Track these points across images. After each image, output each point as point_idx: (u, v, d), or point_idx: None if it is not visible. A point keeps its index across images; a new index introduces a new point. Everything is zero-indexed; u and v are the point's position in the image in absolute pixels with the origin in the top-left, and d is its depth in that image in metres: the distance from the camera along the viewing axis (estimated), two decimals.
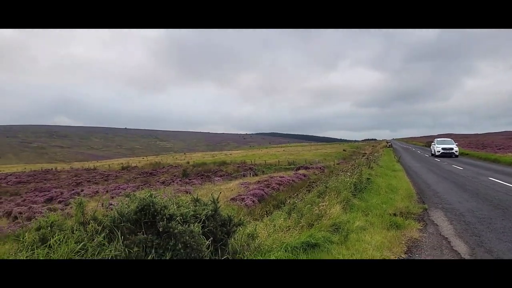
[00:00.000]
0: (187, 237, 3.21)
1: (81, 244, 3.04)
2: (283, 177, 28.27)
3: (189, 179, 34.35)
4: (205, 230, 3.54)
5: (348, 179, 9.64)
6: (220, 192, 21.96)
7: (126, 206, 3.41)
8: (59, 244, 2.97)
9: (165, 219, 3.31)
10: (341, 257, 4.31)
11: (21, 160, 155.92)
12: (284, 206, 12.33)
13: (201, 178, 35.30)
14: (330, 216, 5.97)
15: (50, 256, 2.80)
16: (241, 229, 3.92)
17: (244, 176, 36.73)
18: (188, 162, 58.64)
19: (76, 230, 3.29)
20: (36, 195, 25.46)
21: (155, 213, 3.39)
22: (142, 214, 3.42)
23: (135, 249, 3.11)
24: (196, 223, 3.49)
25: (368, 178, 11.00)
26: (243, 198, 19.21)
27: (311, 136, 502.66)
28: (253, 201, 19.17)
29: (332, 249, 4.64)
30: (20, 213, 16.47)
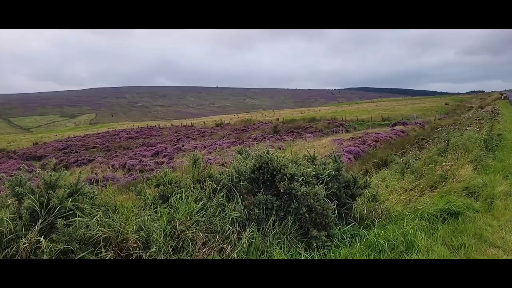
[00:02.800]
0: (312, 200, 2.82)
1: (200, 203, 2.86)
2: (379, 133, 26.53)
3: (280, 136, 34.48)
4: (328, 192, 3.09)
5: (475, 135, 8.25)
6: (314, 149, 21.57)
7: (244, 163, 3.12)
8: (179, 202, 2.83)
9: (286, 179, 2.95)
10: (490, 229, 3.54)
11: (129, 118, 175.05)
12: (388, 164, 11.35)
13: (292, 135, 35.17)
14: (459, 178, 5.07)
15: (173, 215, 2.68)
16: (367, 191, 3.41)
17: (335, 132, 35.59)
18: (278, 119, 58.96)
19: (193, 188, 3.13)
20: (145, 150, 28.10)
21: (274, 172, 3.05)
22: (260, 173, 3.11)
23: (256, 210, 2.82)
24: (318, 184, 3.07)
25: (499, 134, 9.34)
26: (338, 155, 18.41)
27: (407, 90, 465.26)
28: (349, 159, 18.31)
29: (477, 218, 3.86)
30: (133, 165, 18.25)
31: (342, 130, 37.51)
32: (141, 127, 63.30)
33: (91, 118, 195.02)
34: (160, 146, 28.78)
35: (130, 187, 11.61)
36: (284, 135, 35.23)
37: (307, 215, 2.82)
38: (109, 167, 18.73)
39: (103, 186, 12.50)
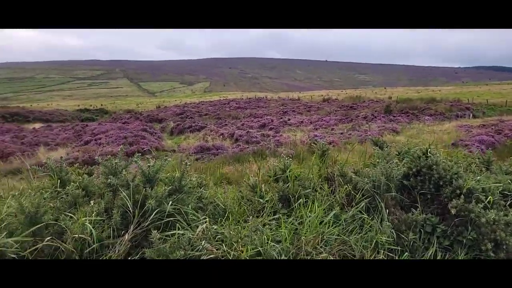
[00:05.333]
0: (502, 233, 1.90)
1: (331, 214, 2.17)
2: None
3: (393, 116, 31.60)
4: None
5: None
6: (435, 135, 19.01)
7: (395, 167, 2.30)
8: (304, 209, 2.20)
9: (460, 194, 2.06)
10: None
11: (239, 88, 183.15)
12: None
13: (407, 116, 31.97)
14: None
15: (296, 228, 2.07)
16: None
17: (460, 117, 31.31)
18: (390, 98, 54.60)
19: (320, 188, 2.45)
20: (252, 121, 28.60)
21: (441, 183, 2.18)
22: (418, 180, 2.27)
23: (410, 234, 2.03)
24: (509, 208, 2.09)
25: None
26: (466, 145, 15.86)
27: None
28: (481, 150, 15.59)
29: None
30: (240, 136, 18.55)
31: (469, 115, 32.80)
32: (249, 98, 65.18)
33: (206, 86, 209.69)
34: (266, 118, 28.95)
35: (238, 159, 11.70)
36: (398, 116, 32.21)
37: (492, 254, 1.91)
38: (218, 136, 19.40)
39: (211, 156, 12.69)
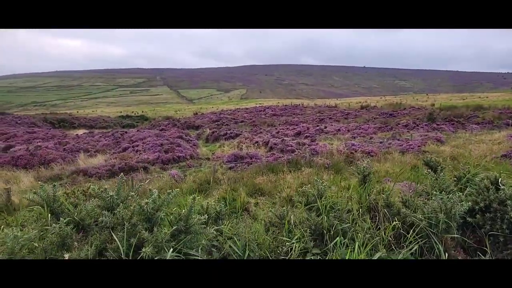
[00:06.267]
0: None
1: (377, 256, 1.81)
2: None
3: (437, 125, 29.96)
4: None
5: None
6: (484, 145, 17.66)
7: (457, 201, 1.87)
8: (340, 250, 1.84)
9: None
10: None
11: (276, 95, 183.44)
12: None
13: (452, 124, 30.19)
14: None
15: None
16: None
17: (511, 125, 29.14)
18: (433, 105, 52.13)
19: (359, 219, 2.07)
20: (287, 128, 28.20)
21: None
22: (487, 218, 1.83)
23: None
24: None
25: None
26: None
27: None
28: None
29: None
30: (275, 144, 18.22)
31: None
32: (285, 105, 64.78)
33: (242, 93, 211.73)
34: (302, 126, 28.43)
35: (273, 169, 11.38)
36: (442, 124, 30.51)
37: None
38: (253, 144, 19.19)
39: (244, 165, 12.46)
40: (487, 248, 1.80)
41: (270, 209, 2.51)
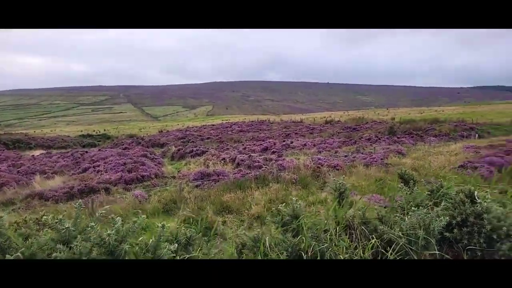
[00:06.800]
0: None
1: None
2: None
3: (398, 137, 31.15)
4: None
5: None
6: (442, 156, 18.42)
7: (435, 216, 1.80)
8: None
9: None
10: None
11: (242, 111, 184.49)
12: None
13: (411, 137, 31.52)
14: None
15: None
16: None
17: (466, 137, 30.83)
18: (393, 118, 54.37)
19: (336, 239, 1.97)
20: (254, 144, 28.19)
21: (494, 236, 1.70)
22: (464, 233, 1.78)
23: None
24: None
25: None
26: (475, 167, 15.29)
27: None
28: (491, 172, 15.04)
29: None
30: (242, 160, 18.08)
31: (475, 135, 32.36)
32: (252, 121, 65.10)
33: (208, 109, 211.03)
34: (269, 141, 28.54)
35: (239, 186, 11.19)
36: (402, 137, 31.75)
37: None
38: (220, 161, 18.94)
39: (211, 183, 12.20)
40: None
41: (243, 231, 2.35)
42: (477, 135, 32.92)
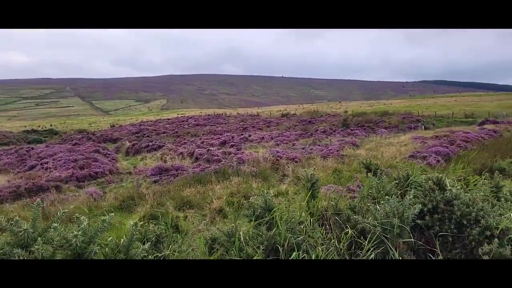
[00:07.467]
0: None
1: None
2: (468, 132, 23.46)
3: (351, 130, 32.34)
4: None
5: None
6: (393, 147, 19.37)
7: (408, 204, 1.85)
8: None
9: (493, 237, 1.67)
10: None
11: (197, 105, 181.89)
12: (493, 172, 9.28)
13: (364, 129, 32.88)
14: None
15: None
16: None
17: (413, 129, 32.74)
18: (346, 112, 56.37)
19: (311, 230, 1.97)
20: (212, 138, 27.92)
21: (464, 221, 1.77)
22: (435, 219, 1.85)
23: None
24: None
25: None
26: (424, 156, 16.29)
27: (490, 84, 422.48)
28: (438, 161, 16.10)
29: None
30: (201, 154, 17.84)
31: (421, 127, 34.42)
32: (208, 114, 64.43)
33: (163, 103, 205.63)
34: (227, 135, 28.41)
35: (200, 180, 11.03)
36: (355, 130, 32.99)
37: None
38: (177, 155, 18.56)
39: (170, 178, 11.89)
40: (436, 249, 1.84)
41: (217, 225, 2.28)
42: (423, 126, 35.05)
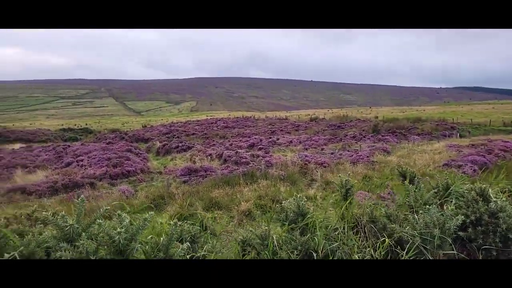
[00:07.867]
0: None
1: None
2: (508, 141, 22.34)
3: (382, 136, 31.60)
4: None
5: None
6: (427, 155, 18.76)
7: (450, 214, 1.80)
8: None
9: None
10: None
11: (226, 108, 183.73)
12: None
13: (395, 136, 32.04)
14: None
15: None
16: None
17: (448, 136, 31.60)
18: (376, 117, 55.19)
19: (348, 239, 1.94)
20: (240, 140, 28.10)
21: (510, 236, 1.71)
22: (478, 232, 1.79)
23: None
24: None
25: None
26: (459, 165, 15.65)
27: None
28: (474, 170, 15.43)
29: None
30: (229, 156, 17.99)
31: (456, 134, 33.18)
32: (236, 117, 64.91)
33: (192, 105, 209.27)
34: (255, 138, 28.51)
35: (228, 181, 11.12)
36: (386, 136, 32.22)
37: None
38: (206, 156, 18.81)
39: (199, 178, 12.06)
40: None
41: (250, 228, 2.30)
42: (458, 134, 33.79)
